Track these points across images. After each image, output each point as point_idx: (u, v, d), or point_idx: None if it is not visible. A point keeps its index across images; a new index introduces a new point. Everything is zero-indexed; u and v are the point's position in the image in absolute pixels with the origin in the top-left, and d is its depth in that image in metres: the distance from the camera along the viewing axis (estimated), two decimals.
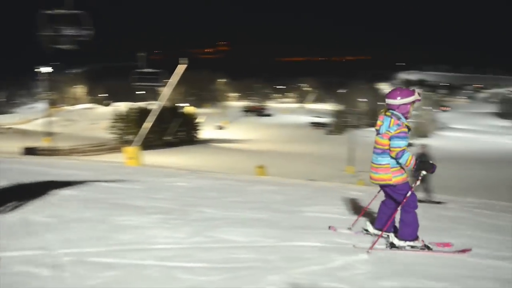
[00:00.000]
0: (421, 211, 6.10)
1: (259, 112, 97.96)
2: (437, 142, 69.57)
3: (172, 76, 18.77)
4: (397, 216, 4.00)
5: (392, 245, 3.88)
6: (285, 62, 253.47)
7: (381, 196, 4.34)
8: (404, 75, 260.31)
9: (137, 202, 5.45)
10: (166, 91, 20.17)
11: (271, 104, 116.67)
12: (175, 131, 49.64)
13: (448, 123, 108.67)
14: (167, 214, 4.80)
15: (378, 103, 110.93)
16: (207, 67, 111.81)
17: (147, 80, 46.56)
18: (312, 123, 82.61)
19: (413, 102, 3.88)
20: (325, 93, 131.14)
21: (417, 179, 3.99)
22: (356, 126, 52.16)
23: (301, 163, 35.25)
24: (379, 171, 3.95)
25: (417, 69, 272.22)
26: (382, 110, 4.03)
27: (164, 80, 36.80)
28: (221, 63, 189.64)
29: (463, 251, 3.91)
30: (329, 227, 4.68)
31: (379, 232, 4.01)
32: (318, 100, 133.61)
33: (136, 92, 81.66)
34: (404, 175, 3.94)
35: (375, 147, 4.01)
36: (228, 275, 2.96)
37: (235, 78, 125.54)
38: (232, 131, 72.19)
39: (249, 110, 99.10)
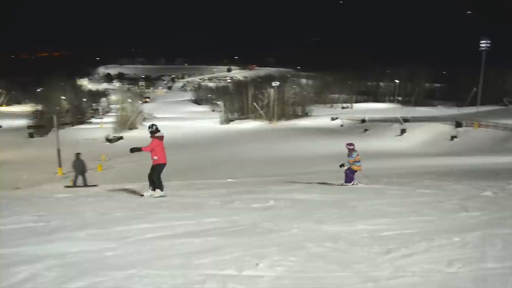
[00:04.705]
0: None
1: None
2: (145, 133, 72.94)
3: None
4: None
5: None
6: None
7: None
8: (103, 70, 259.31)
9: None
10: None
11: None
12: None
13: (152, 113, 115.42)
14: None
15: (84, 99, 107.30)
16: None
17: None
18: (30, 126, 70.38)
19: None
20: (19, 93, 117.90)
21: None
22: (60, 126, 49.06)
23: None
24: None
25: (115, 63, 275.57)
26: None
27: None
28: None
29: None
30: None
31: None
32: (11, 101, 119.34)
33: None
34: None
35: None
36: None
37: None
38: None
39: None
